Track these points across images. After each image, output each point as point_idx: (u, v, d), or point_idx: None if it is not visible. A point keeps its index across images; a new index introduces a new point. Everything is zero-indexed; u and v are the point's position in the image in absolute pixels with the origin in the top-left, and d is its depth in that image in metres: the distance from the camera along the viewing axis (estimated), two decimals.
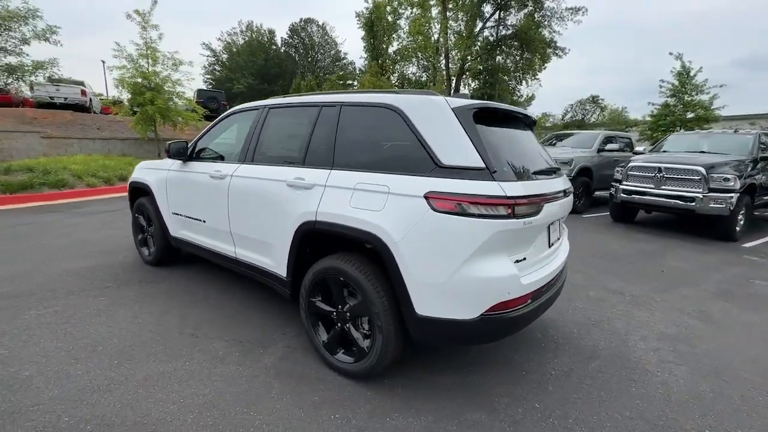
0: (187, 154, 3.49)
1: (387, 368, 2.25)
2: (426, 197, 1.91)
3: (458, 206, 1.85)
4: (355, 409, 2.05)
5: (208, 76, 49.77)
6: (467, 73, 29.30)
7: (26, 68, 7.67)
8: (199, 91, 19.99)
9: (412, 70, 36.53)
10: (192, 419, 1.94)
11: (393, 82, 38.95)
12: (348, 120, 2.40)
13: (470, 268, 1.86)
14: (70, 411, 1.95)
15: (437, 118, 2.02)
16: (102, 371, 2.29)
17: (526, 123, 2.67)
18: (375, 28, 33.82)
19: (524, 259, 2.06)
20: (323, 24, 49.98)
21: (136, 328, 2.82)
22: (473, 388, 2.28)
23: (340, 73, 43.70)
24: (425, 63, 32.49)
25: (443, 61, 29.11)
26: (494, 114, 2.25)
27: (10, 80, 7.73)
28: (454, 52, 28.94)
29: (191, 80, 15.04)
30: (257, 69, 46.91)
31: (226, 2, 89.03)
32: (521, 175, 2.08)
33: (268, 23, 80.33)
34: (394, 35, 33.92)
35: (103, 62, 25.05)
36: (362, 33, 36.46)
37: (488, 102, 2.21)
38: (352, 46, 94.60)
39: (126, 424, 1.88)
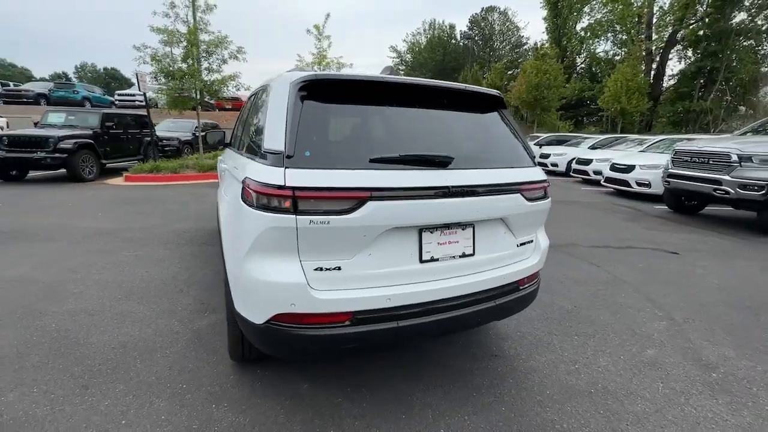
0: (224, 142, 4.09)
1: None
2: (242, 183, 1.71)
3: (250, 194, 1.58)
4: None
5: None
6: (681, 43, 22.27)
7: (224, 81, 10.58)
8: None
9: (604, 47, 30.47)
10: None
11: (579, 63, 33.60)
12: (251, 103, 2.35)
13: (250, 265, 1.57)
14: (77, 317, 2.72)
15: (278, 98, 1.72)
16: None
17: (442, 99, 1.95)
18: (559, 4, 29.69)
19: (337, 268, 1.57)
20: (505, 10, 47.38)
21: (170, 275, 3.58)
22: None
23: (505, 61, 40.59)
24: (622, 37, 26.52)
25: (645, 32, 23.06)
26: (353, 87, 1.75)
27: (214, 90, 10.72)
28: (665, 18, 22.48)
29: None
30: (435, 64, 48.72)
31: (419, 3, 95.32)
32: (339, 161, 1.57)
33: (451, 19, 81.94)
34: (585, 8, 29.02)
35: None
36: (545, 13, 32.75)
37: (321, 73, 1.72)
38: (535, 30, 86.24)
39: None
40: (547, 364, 2.38)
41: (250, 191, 1.56)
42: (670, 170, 6.93)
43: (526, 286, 2.06)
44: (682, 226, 6.34)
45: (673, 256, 4.69)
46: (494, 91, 2.08)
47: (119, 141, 10.33)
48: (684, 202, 7.34)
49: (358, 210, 1.50)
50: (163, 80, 9.86)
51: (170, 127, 14.56)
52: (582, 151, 13.20)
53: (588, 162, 11.62)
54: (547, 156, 14.54)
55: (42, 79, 41.99)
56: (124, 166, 10.45)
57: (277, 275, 1.52)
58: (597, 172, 10.87)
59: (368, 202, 1.51)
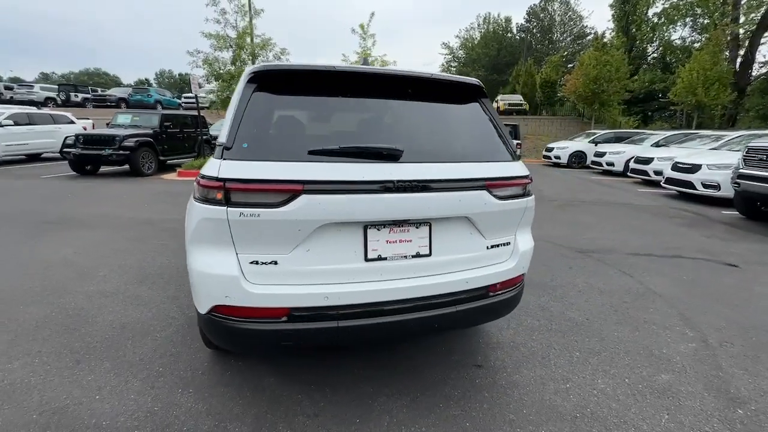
0: None
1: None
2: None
3: (196, 187, 1.60)
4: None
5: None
6: None
7: None
8: None
9: (681, 33, 27.30)
10: None
11: (650, 52, 30.50)
12: None
13: (192, 256, 1.59)
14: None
15: (236, 92, 1.73)
16: None
17: (405, 89, 1.82)
18: None
19: (274, 262, 1.53)
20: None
21: None
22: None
23: (565, 53, 37.83)
24: (703, 21, 23.55)
25: (731, 14, 20.25)
26: (304, 78, 1.69)
27: None
28: None
29: None
30: (489, 60, 47.04)
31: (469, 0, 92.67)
32: (277, 153, 1.52)
33: (507, 12, 78.43)
34: None
35: None
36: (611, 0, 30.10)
37: (270, 64, 1.66)
38: (600, 19, 79.52)
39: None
40: (533, 380, 2.16)
41: (195, 184, 1.58)
42: (740, 170, 6.02)
43: (500, 292, 1.87)
44: (751, 235, 5.48)
45: (730, 268, 4.06)
46: (470, 80, 1.91)
47: (176, 139, 11.25)
48: (760, 207, 6.34)
49: (290, 203, 1.45)
50: (214, 82, 10.57)
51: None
52: (643, 149, 11.94)
53: (648, 161, 10.48)
54: (601, 154, 13.38)
55: (127, 85, 47.28)
56: (180, 163, 11.38)
57: (213, 267, 1.52)
58: (658, 173, 9.76)
59: (301, 196, 1.45)
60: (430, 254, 1.69)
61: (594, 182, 11.24)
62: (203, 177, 1.50)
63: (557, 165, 15.76)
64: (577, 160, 15.38)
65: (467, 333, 2.63)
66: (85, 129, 18.92)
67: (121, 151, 9.27)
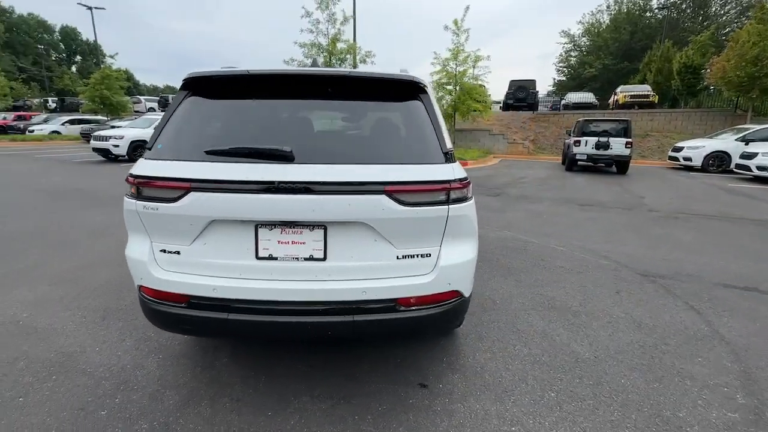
0: None
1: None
2: None
3: None
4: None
5: (562, 65, 48.90)
6: None
7: None
8: (511, 81, 20.72)
9: None
10: None
11: None
12: None
13: (128, 241, 1.84)
14: None
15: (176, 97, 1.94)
16: None
17: (325, 88, 1.76)
18: None
19: (177, 252, 1.67)
20: None
21: None
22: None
23: (719, 30, 30.05)
24: None
25: None
26: (230, 82, 1.78)
27: None
28: None
29: (487, 74, 16.09)
30: (619, 46, 40.90)
31: None
32: (181, 153, 1.64)
33: None
34: None
35: None
36: None
37: (197, 71, 1.74)
38: None
39: None
40: (475, 414, 1.89)
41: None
42: None
43: (414, 308, 1.68)
44: None
45: None
46: (402, 76, 1.75)
47: None
48: None
49: (181, 199, 1.57)
50: None
51: None
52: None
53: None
54: (751, 156, 10.52)
55: None
56: None
57: (133, 252, 1.75)
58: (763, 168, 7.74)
59: (190, 193, 1.56)
60: (324, 258, 1.62)
61: (727, 191, 8.92)
62: (128, 174, 1.72)
63: (689, 168, 12.95)
64: (717, 162, 12.40)
65: (433, 348, 2.43)
66: None
67: None
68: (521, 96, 19.78)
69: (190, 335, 2.37)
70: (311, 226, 1.61)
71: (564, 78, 49.01)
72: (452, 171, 1.66)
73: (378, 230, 1.61)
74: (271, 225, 1.61)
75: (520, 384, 2.11)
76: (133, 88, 66.42)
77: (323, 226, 1.61)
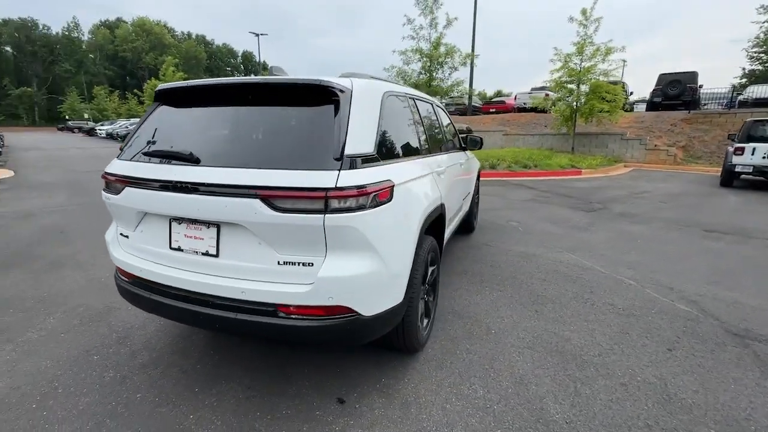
0: None
1: None
2: None
3: None
4: None
5: (756, 50, 37.73)
6: None
7: (451, 88, 11.51)
8: (661, 75, 17.01)
9: None
10: None
11: None
12: None
13: None
14: None
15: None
16: None
17: (247, 96, 1.86)
18: None
19: (127, 236, 1.99)
20: None
21: None
22: None
23: None
24: None
25: None
26: (188, 93, 2.03)
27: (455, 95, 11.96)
28: None
29: (619, 68, 13.67)
30: None
31: None
32: (133, 155, 1.95)
33: None
34: None
35: None
36: None
37: (161, 85, 2.01)
38: None
39: None
40: None
41: None
42: None
43: (294, 317, 1.63)
44: None
45: None
46: (311, 80, 1.72)
47: None
48: None
49: (121, 193, 1.88)
50: None
51: None
52: None
53: None
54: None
55: None
56: None
57: (107, 234, 2.16)
58: None
59: (126, 188, 1.85)
60: (217, 255, 1.72)
61: None
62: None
63: None
64: None
65: (381, 365, 2.27)
66: None
67: None
68: (674, 92, 16.07)
69: (140, 309, 2.52)
70: (207, 224, 1.73)
71: (761, 67, 37.77)
72: (337, 178, 1.55)
73: (256, 234, 1.63)
74: (180, 220, 1.80)
75: (444, 430, 1.82)
76: None
77: (216, 225, 1.72)
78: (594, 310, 3.03)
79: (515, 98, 21.18)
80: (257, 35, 37.76)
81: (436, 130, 3.24)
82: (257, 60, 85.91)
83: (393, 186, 1.82)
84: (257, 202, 1.57)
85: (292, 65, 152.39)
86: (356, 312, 1.68)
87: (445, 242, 3.07)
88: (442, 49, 11.22)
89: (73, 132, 42.11)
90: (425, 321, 2.44)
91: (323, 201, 1.54)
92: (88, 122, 44.68)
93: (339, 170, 1.58)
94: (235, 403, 1.99)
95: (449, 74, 11.49)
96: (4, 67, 59.85)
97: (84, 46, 68.15)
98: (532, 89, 22.16)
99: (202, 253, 1.77)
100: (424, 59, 11.10)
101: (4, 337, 2.59)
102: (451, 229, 3.39)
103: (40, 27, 64.59)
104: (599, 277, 3.70)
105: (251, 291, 1.65)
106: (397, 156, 2.14)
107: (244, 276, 1.70)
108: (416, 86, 11.49)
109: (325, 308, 1.64)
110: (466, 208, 4.28)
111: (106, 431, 1.78)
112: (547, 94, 16.86)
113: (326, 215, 1.55)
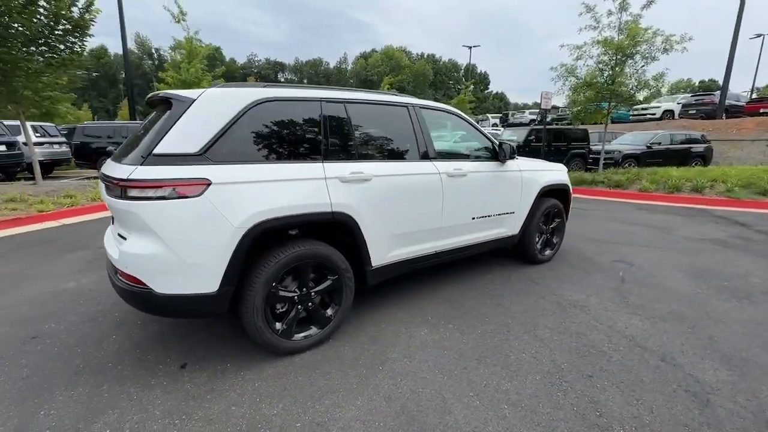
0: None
1: None
2: None
3: None
4: None
5: None
6: None
7: (647, 84, 8.61)
8: None
9: None
10: None
11: None
12: None
13: None
14: None
15: None
16: None
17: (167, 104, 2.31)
18: None
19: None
20: None
21: None
22: None
23: None
24: None
25: None
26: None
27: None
28: None
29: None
30: None
31: None
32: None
33: None
34: None
35: None
36: None
37: (153, 93, 2.52)
38: None
39: None
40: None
41: None
42: None
43: (122, 281, 2.11)
44: None
45: None
46: (164, 93, 2.25)
47: (537, 153, 11.93)
48: None
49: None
50: (571, 94, 9.95)
51: (627, 140, 13.88)
52: None
53: None
54: None
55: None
56: None
57: None
58: None
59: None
60: (124, 237, 2.38)
61: None
62: None
63: None
64: None
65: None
66: None
67: None
68: None
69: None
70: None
71: None
72: (132, 172, 1.94)
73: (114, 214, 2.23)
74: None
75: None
76: (503, 107, 78.06)
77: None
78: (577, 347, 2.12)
79: None
80: (470, 48, 39.42)
81: (380, 137, 2.93)
82: (479, 71, 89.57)
83: (208, 184, 2.03)
84: (113, 187, 2.09)
85: (521, 70, 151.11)
86: (146, 285, 2.03)
87: (384, 260, 2.80)
88: (644, 34, 8.40)
89: None
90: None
91: (120, 189, 1.98)
92: None
93: (138, 165, 1.97)
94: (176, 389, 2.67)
95: (642, 66, 8.78)
96: None
97: (347, 75, 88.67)
98: None
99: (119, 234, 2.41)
100: (609, 53, 8.85)
101: None
102: (413, 248, 3.01)
103: (324, 63, 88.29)
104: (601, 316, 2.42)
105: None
106: (251, 159, 2.23)
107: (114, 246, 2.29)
108: (588, 85, 9.39)
109: (127, 276, 2.08)
110: (500, 228, 3.74)
111: None
112: None
113: (122, 200, 1.98)
